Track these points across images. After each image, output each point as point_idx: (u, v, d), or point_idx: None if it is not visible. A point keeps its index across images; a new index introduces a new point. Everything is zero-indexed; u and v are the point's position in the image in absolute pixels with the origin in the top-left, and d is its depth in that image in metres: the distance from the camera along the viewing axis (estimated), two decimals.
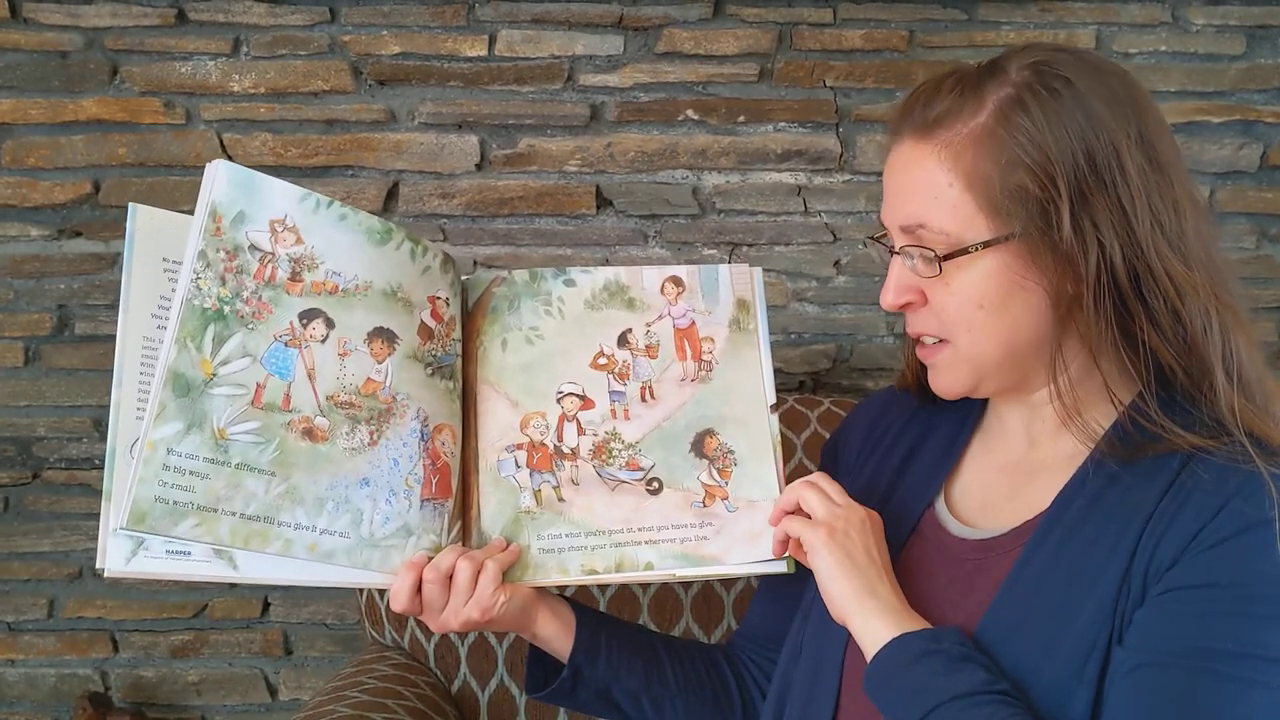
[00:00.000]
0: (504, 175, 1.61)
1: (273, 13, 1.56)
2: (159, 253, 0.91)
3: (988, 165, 0.81)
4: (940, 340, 0.88)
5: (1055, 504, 0.85)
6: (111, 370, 1.59)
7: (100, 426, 1.64)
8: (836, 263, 1.64)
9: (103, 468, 1.63)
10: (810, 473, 0.96)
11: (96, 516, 1.64)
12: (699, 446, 0.99)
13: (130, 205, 0.91)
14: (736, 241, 1.63)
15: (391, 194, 1.61)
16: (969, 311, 0.84)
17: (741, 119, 1.60)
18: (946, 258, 0.83)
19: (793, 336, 1.65)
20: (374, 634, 1.49)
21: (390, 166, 1.60)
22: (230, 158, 1.58)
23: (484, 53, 1.58)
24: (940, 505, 0.95)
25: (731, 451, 0.99)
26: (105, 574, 0.84)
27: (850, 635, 0.86)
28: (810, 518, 0.90)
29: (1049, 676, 0.78)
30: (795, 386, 1.66)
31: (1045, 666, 0.78)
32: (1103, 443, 0.84)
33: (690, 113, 1.60)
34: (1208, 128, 1.61)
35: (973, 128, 0.82)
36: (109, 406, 1.70)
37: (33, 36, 1.56)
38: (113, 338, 1.59)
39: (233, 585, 1.66)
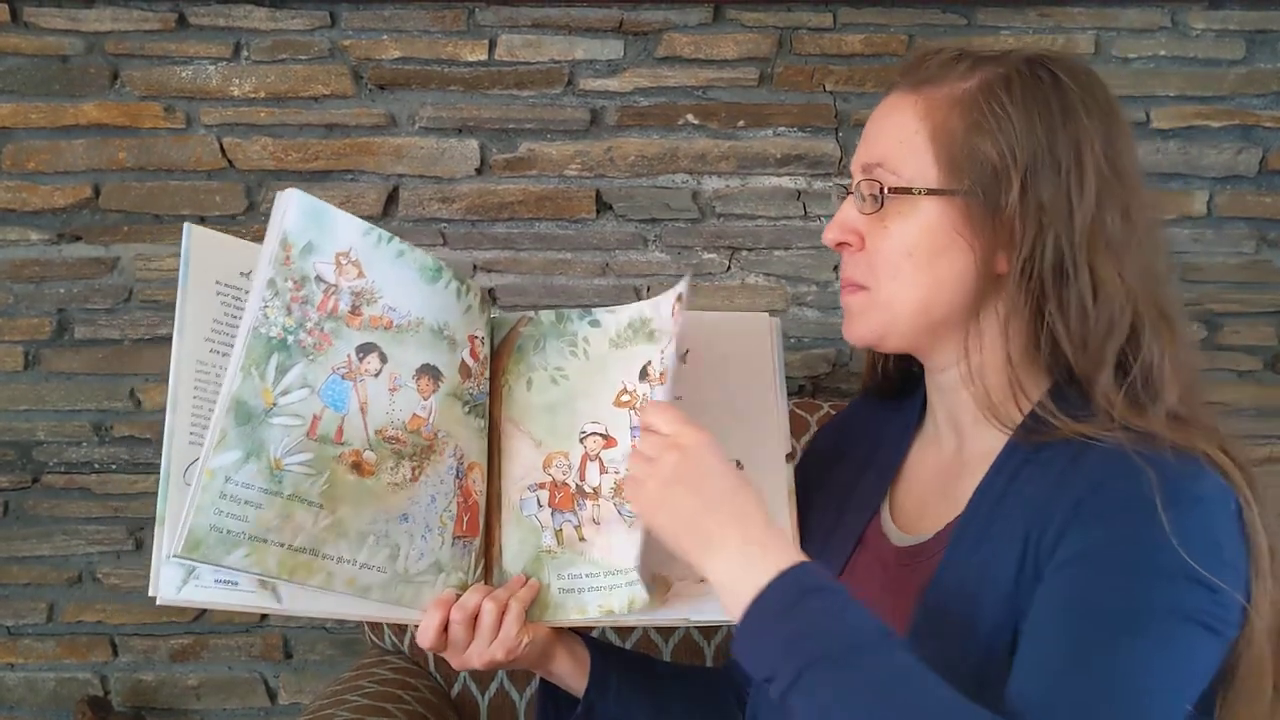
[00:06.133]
0: (504, 179, 1.61)
1: (273, 17, 1.56)
2: (212, 275, 0.90)
3: (956, 124, 0.84)
4: (863, 287, 0.89)
5: (970, 504, 0.85)
6: (111, 374, 1.62)
7: (99, 430, 1.64)
8: (836, 267, 1.64)
9: (103, 471, 1.65)
10: None
11: (96, 520, 1.67)
12: None
13: (185, 226, 0.90)
14: (736, 246, 1.63)
15: (391, 198, 1.61)
16: (898, 258, 0.86)
17: (741, 123, 1.60)
18: (892, 191, 0.85)
19: (792, 341, 1.65)
20: (374, 638, 1.49)
21: (390, 171, 1.60)
22: (230, 162, 1.58)
23: (484, 57, 1.58)
24: (885, 513, 0.95)
25: None
26: (158, 602, 0.83)
27: None
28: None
29: (964, 684, 0.76)
30: (795, 391, 1.66)
31: (961, 669, 0.77)
32: (1016, 435, 0.85)
33: (690, 117, 1.60)
34: (1207, 132, 1.61)
35: (956, 90, 0.85)
36: (109, 411, 1.70)
37: (33, 40, 1.56)
38: (112, 341, 1.62)
39: None
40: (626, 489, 0.86)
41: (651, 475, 0.82)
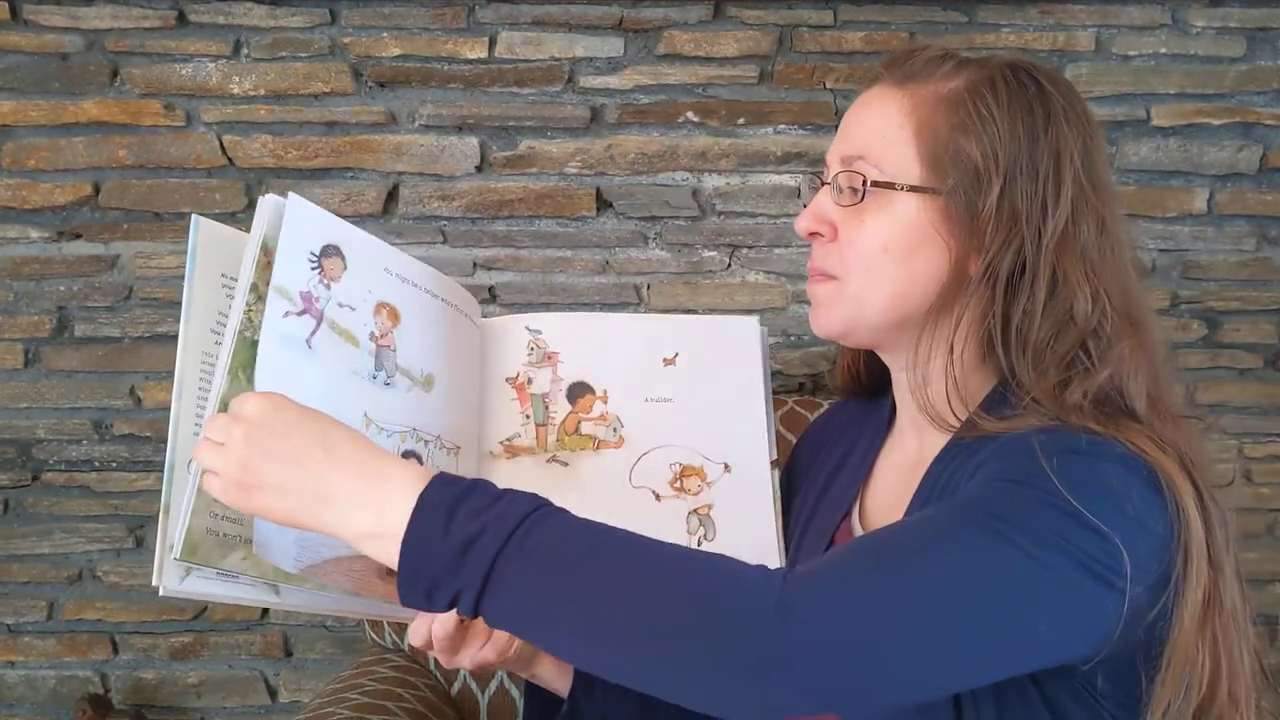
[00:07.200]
0: (504, 177, 1.61)
1: (273, 15, 1.56)
2: (218, 268, 0.90)
3: (941, 122, 0.85)
4: (833, 277, 0.88)
5: (910, 503, 0.85)
6: (111, 372, 1.62)
7: (99, 428, 1.64)
8: None
9: (103, 469, 1.65)
10: None
11: (96, 518, 1.67)
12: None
13: (193, 218, 0.90)
14: (736, 244, 1.63)
15: (391, 196, 1.61)
16: (873, 253, 0.86)
17: (741, 121, 1.60)
18: (873, 184, 0.85)
19: (793, 339, 1.65)
20: (374, 636, 1.50)
21: (390, 168, 1.60)
22: (230, 160, 1.58)
23: (484, 55, 1.58)
24: (855, 514, 0.95)
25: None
26: (160, 593, 0.83)
27: None
28: None
29: None
30: (795, 388, 1.66)
31: None
32: (957, 433, 0.84)
33: (690, 115, 1.60)
34: (1207, 130, 1.61)
35: (942, 89, 0.86)
36: (109, 408, 1.69)
37: (33, 38, 1.56)
38: (112, 339, 1.62)
39: None
40: (206, 487, 0.75)
41: (224, 462, 0.73)
